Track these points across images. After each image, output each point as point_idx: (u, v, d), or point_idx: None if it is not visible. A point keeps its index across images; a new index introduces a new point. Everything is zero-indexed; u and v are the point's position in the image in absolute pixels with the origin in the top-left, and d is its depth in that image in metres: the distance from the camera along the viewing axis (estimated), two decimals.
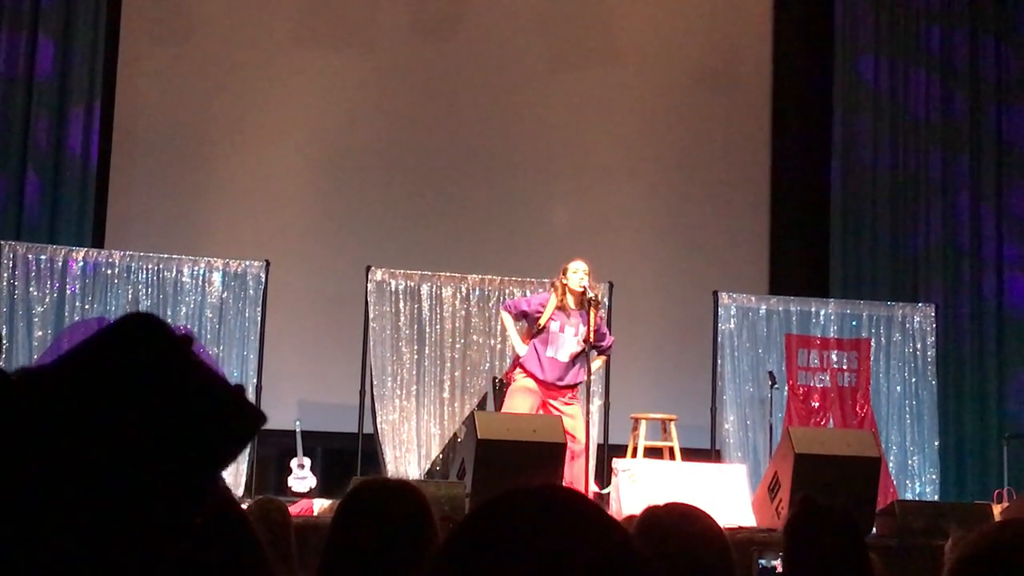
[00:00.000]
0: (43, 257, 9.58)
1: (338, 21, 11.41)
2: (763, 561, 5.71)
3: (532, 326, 8.64)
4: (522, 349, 8.65)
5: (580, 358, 8.61)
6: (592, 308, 8.54)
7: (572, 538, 1.08)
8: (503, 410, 8.63)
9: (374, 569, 2.47)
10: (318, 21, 11.38)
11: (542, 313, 8.59)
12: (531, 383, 8.57)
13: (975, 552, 1.60)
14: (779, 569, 5.35)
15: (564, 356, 8.58)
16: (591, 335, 8.55)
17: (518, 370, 8.68)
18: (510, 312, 8.82)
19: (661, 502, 2.77)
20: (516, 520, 1.10)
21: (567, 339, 8.59)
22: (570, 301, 8.61)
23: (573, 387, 8.68)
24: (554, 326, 8.58)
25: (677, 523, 2.65)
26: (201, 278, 9.81)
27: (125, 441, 0.75)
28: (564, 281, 8.63)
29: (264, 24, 11.29)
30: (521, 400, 8.53)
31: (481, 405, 9.86)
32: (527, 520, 1.09)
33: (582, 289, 8.57)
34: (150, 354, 0.78)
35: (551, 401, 8.59)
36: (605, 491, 8.90)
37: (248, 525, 0.85)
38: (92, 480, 0.74)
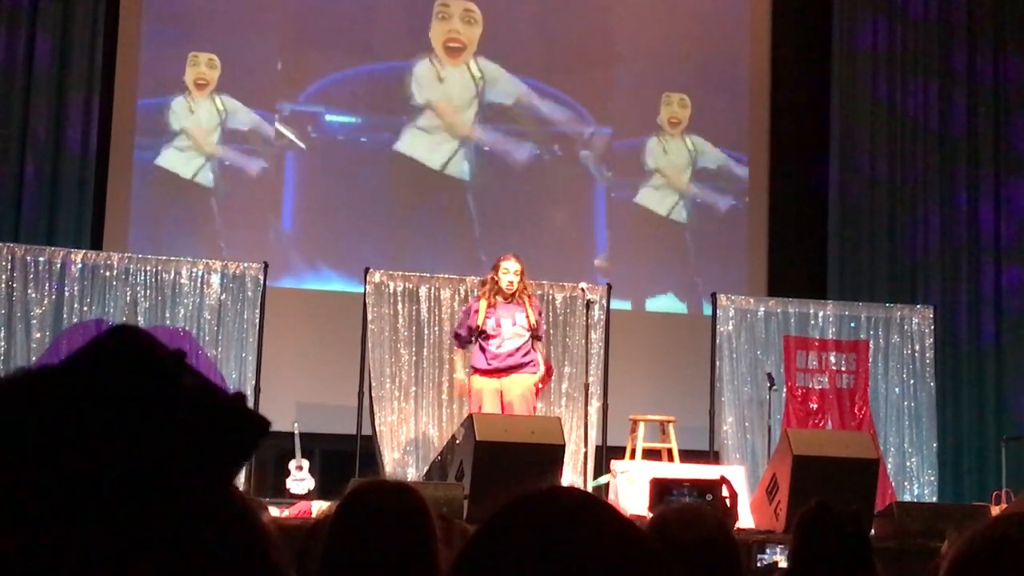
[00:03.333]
0: (41, 259, 9.58)
1: (337, 24, 11.41)
2: (764, 557, 5.72)
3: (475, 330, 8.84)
4: (462, 378, 9.02)
5: (526, 344, 8.78)
6: (526, 297, 8.79)
7: (595, 542, 1.08)
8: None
9: (373, 571, 2.47)
10: (316, 24, 11.38)
11: (478, 317, 8.76)
12: (485, 382, 8.69)
13: (971, 548, 1.60)
14: (780, 564, 5.36)
15: (510, 346, 8.73)
16: (530, 318, 8.77)
17: (474, 376, 8.83)
18: (464, 344, 8.95)
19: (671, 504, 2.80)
20: (539, 525, 1.09)
21: (506, 330, 8.74)
22: (500, 297, 8.76)
23: (528, 364, 8.83)
24: (491, 324, 8.74)
25: (686, 525, 2.66)
26: (199, 280, 9.81)
27: (116, 460, 0.74)
28: (496, 278, 8.73)
29: (262, 22, 11.29)
30: (486, 404, 8.66)
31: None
32: (549, 524, 1.09)
33: (512, 291, 8.73)
34: (136, 369, 0.76)
35: (505, 380, 8.71)
36: (602, 481, 8.93)
37: (265, 533, 0.84)
38: (89, 500, 0.73)
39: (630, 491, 8.35)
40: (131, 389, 0.76)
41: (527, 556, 1.07)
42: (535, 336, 8.88)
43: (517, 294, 8.79)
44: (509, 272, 8.78)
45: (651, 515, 2.76)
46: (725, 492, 6.88)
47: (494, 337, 8.73)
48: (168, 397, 0.76)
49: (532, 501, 1.13)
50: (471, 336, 8.82)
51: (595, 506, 1.13)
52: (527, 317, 8.78)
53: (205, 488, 0.77)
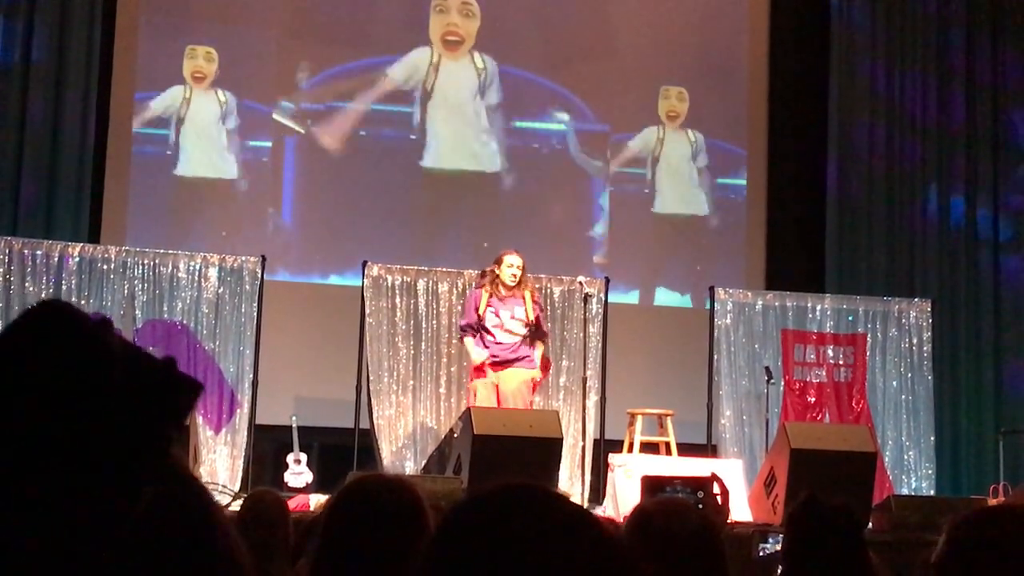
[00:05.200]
0: (39, 252, 9.57)
1: (335, 17, 11.40)
2: (766, 546, 5.71)
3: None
4: (480, 356, 8.87)
5: (524, 339, 8.83)
6: (527, 292, 8.86)
7: (549, 536, 1.08)
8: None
9: (367, 564, 2.47)
10: (314, 17, 11.37)
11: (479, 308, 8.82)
12: (486, 375, 8.70)
13: (966, 533, 1.60)
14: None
15: (507, 340, 8.80)
16: (529, 314, 8.83)
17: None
18: (472, 334, 8.94)
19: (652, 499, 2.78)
20: (498, 520, 1.09)
21: (505, 322, 8.81)
22: (501, 290, 8.83)
23: (524, 358, 8.86)
24: (490, 315, 8.80)
25: (667, 520, 2.65)
26: (197, 273, 9.80)
27: (47, 430, 0.73)
28: (497, 272, 8.78)
29: (259, 15, 11.28)
30: (484, 396, 8.70)
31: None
32: (502, 521, 1.09)
33: (514, 284, 8.79)
34: (64, 341, 0.76)
35: (501, 374, 8.75)
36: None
37: (210, 509, 0.83)
38: (23, 469, 0.73)
39: (628, 485, 8.35)
40: (69, 356, 0.76)
41: (482, 554, 1.07)
42: (536, 335, 8.89)
43: (518, 287, 8.83)
44: (513, 266, 8.81)
45: (631, 510, 2.74)
46: (716, 489, 6.88)
47: (495, 328, 8.76)
48: (104, 362, 0.76)
49: (484, 499, 1.13)
50: (474, 326, 8.85)
51: (548, 500, 1.13)
52: (526, 312, 8.81)
53: (145, 445, 0.76)
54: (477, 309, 8.82)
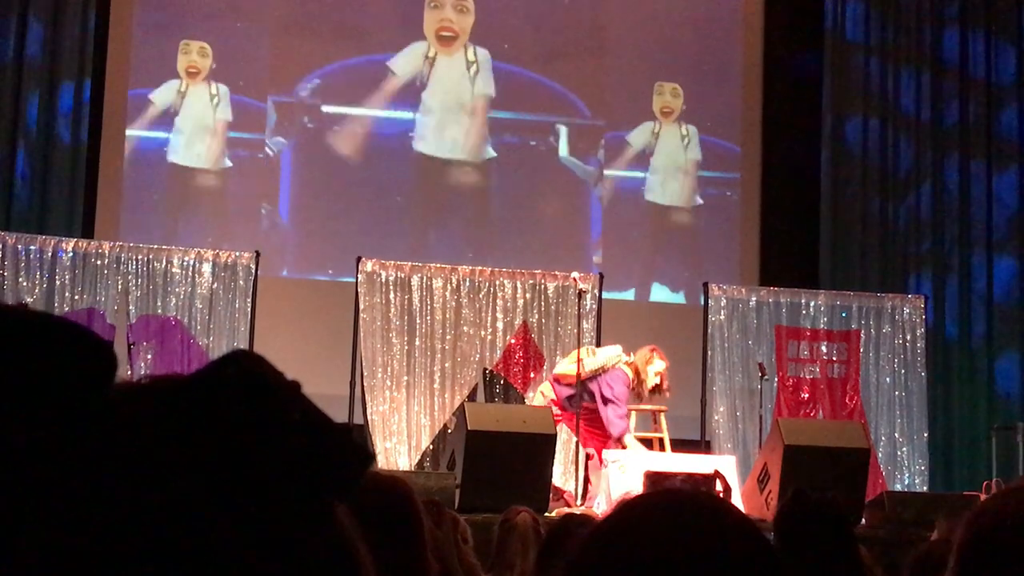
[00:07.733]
0: (33, 247, 9.57)
1: (329, 13, 11.39)
2: None
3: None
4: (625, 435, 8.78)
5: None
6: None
7: (711, 542, 1.08)
8: None
9: None
10: (308, 14, 11.36)
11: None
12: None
13: (991, 524, 1.59)
14: None
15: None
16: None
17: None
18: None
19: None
20: (655, 525, 1.09)
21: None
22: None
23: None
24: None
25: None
26: (191, 269, 9.80)
27: (220, 477, 0.74)
28: (642, 375, 8.77)
29: (253, 11, 11.28)
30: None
31: (471, 396, 9.86)
32: (666, 524, 1.09)
33: (653, 388, 8.79)
34: (252, 394, 0.77)
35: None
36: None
37: (362, 565, 0.83)
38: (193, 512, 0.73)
39: (622, 480, 8.36)
40: (245, 412, 0.76)
41: (644, 555, 1.07)
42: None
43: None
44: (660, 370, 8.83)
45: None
46: (719, 486, 6.89)
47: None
48: (279, 423, 0.77)
49: (649, 501, 1.13)
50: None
51: (713, 507, 1.13)
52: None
53: (305, 515, 0.77)
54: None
